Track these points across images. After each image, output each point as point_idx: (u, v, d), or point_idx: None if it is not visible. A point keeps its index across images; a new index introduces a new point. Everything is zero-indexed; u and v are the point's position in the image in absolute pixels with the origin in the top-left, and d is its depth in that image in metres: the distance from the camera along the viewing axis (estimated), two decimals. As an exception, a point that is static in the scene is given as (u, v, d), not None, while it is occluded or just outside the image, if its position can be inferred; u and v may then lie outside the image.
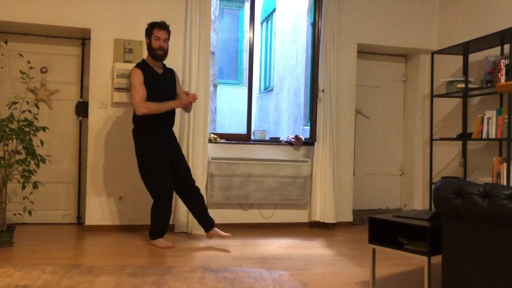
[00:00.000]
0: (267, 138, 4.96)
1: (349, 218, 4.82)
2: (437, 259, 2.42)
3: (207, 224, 3.79)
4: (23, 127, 3.61)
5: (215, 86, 8.29)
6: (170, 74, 3.83)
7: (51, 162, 4.07)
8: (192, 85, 4.27)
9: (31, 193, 3.77)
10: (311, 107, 4.73)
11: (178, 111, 4.28)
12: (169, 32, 3.73)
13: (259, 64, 9.31)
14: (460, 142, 4.49)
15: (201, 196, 3.87)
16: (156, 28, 3.66)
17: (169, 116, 3.76)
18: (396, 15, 4.98)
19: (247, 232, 4.37)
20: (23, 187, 3.57)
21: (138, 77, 3.59)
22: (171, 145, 3.77)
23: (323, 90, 4.58)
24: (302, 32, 7.09)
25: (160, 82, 3.70)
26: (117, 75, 4.19)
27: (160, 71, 3.74)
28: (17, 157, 3.61)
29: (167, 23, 3.74)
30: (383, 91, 5.36)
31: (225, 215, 4.50)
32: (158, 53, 3.65)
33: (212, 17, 7.13)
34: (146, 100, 3.58)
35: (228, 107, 9.38)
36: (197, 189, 3.85)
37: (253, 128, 5.07)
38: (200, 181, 4.25)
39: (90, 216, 4.20)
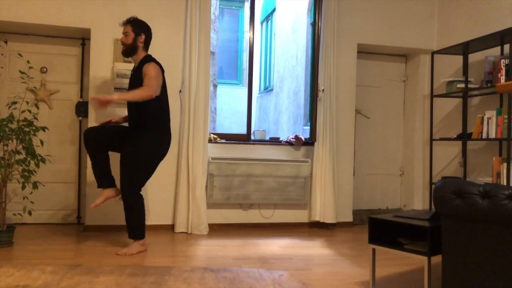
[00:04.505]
0: (267, 138, 4.96)
1: (349, 218, 4.82)
2: (437, 259, 2.42)
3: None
4: (23, 127, 3.61)
5: (215, 86, 8.30)
6: (139, 67, 3.51)
7: (51, 162, 4.07)
8: (192, 85, 4.28)
9: (31, 193, 3.78)
10: (311, 107, 4.73)
11: (177, 110, 4.30)
12: (133, 26, 3.49)
13: (259, 64, 9.32)
14: (460, 142, 4.49)
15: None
16: None
17: (129, 109, 3.58)
18: (396, 15, 4.98)
19: (247, 232, 4.37)
20: (23, 187, 3.57)
21: None
22: (126, 138, 3.57)
23: (323, 90, 4.58)
24: (302, 32, 7.09)
25: (130, 76, 3.62)
26: (117, 75, 4.18)
27: (135, 65, 3.58)
28: (17, 157, 3.61)
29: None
30: (383, 91, 5.36)
31: (225, 215, 4.50)
32: (122, 50, 3.57)
33: (212, 17, 7.14)
34: None
35: (228, 107, 9.39)
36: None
37: (253, 128, 5.07)
38: (200, 181, 4.26)
39: (90, 216, 4.20)
